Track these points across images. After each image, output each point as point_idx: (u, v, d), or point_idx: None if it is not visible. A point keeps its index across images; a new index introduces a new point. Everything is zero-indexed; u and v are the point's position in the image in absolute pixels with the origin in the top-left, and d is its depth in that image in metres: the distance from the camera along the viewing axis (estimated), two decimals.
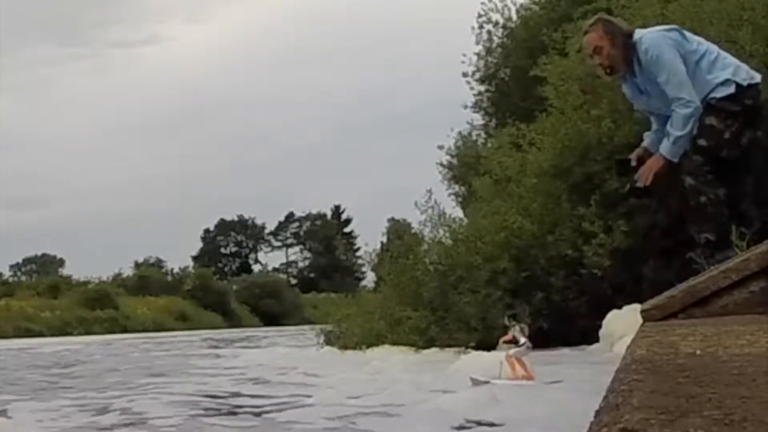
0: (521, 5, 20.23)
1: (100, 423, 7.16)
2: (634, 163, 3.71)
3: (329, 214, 72.59)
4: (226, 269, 67.83)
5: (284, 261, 71.56)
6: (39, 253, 63.48)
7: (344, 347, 16.35)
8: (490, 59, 20.63)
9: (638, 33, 3.65)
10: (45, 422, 7.29)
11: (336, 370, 11.96)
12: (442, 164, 21.59)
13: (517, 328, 8.93)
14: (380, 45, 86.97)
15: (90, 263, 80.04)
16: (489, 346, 11.39)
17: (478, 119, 22.07)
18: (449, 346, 13.77)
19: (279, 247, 71.73)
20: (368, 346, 15.43)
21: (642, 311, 2.59)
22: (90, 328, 41.96)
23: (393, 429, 6.25)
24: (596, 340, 12.44)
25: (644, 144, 3.74)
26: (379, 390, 8.69)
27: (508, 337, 8.94)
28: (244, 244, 71.40)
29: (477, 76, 20.87)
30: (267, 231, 71.66)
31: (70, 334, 39.79)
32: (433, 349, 14.09)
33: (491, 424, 6.15)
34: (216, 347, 24.58)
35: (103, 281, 50.65)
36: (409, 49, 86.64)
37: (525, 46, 18.67)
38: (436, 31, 79.82)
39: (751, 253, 2.64)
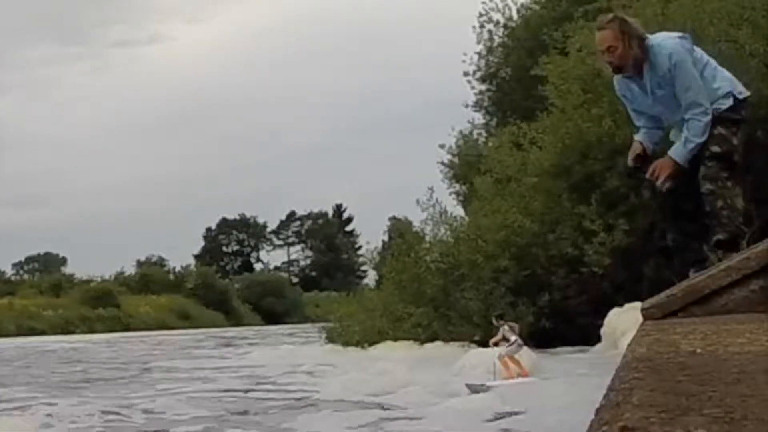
0: (522, 5, 20.32)
1: (127, 423, 7.26)
2: (630, 163, 3.78)
3: (331, 212, 72.73)
4: (228, 268, 67.91)
5: (286, 259, 71.76)
6: (42, 252, 63.74)
7: (346, 344, 16.43)
8: (491, 58, 20.68)
9: (654, 38, 3.69)
10: (76, 422, 7.34)
11: (342, 367, 12.00)
12: (443, 163, 21.67)
13: (506, 327, 8.90)
14: (381, 45, 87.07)
15: (92, 262, 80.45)
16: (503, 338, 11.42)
17: (479, 118, 22.15)
18: (453, 340, 13.81)
19: (281, 246, 71.90)
20: (370, 344, 15.50)
21: (642, 310, 2.60)
22: (92, 327, 42.08)
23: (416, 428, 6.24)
24: (597, 338, 12.48)
25: (638, 138, 3.80)
26: (389, 388, 8.74)
27: (499, 337, 8.88)
28: (246, 243, 71.49)
29: (478, 75, 20.94)
30: (269, 230, 71.81)
31: (73, 332, 39.92)
32: (437, 343, 14.14)
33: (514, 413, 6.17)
34: (223, 346, 24.62)
35: (106, 280, 50.81)
36: (411, 49, 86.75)
37: (526, 46, 18.73)
38: (437, 30, 79.96)
39: (751, 252, 2.64)
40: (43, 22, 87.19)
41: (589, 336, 12.82)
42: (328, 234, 70.20)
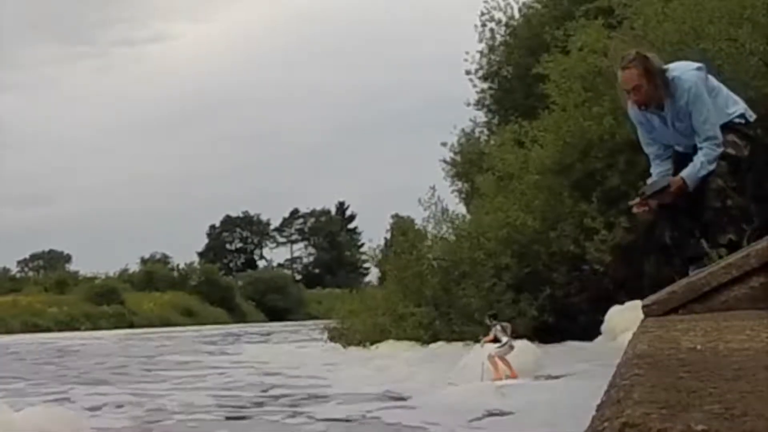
0: (524, 3, 20.33)
1: (163, 413, 7.45)
2: (634, 207, 3.88)
3: (333, 210, 72.81)
4: (231, 265, 68.09)
5: (289, 257, 71.90)
6: (46, 249, 63.99)
7: (348, 344, 16.51)
8: (492, 57, 20.71)
9: (673, 69, 3.75)
10: (114, 413, 7.49)
11: (347, 367, 12.14)
12: (445, 161, 21.72)
13: (499, 327, 8.85)
14: (383, 44, 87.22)
15: (96, 259, 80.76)
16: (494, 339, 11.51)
17: (480, 116, 22.18)
18: (455, 339, 13.89)
19: (284, 243, 72.04)
20: (372, 343, 15.57)
21: (643, 306, 2.64)
22: (97, 324, 42.24)
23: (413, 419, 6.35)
24: (597, 334, 12.57)
25: (669, 180, 3.79)
26: (392, 383, 8.85)
27: (490, 337, 8.84)
28: (249, 240, 71.65)
29: (480, 73, 20.97)
30: (272, 227, 71.95)
31: (77, 329, 40.10)
32: (440, 343, 14.23)
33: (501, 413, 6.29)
34: (230, 343, 24.78)
35: (110, 277, 50.97)
36: (413, 48, 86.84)
37: (527, 44, 18.76)
38: (439, 30, 79.96)
39: (751, 250, 2.67)
40: (46, 22, 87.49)
41: (590, 332, 12.91)
42: (331, 231, 70.33)
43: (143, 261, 56.03)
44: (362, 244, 63.34)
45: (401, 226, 19.49)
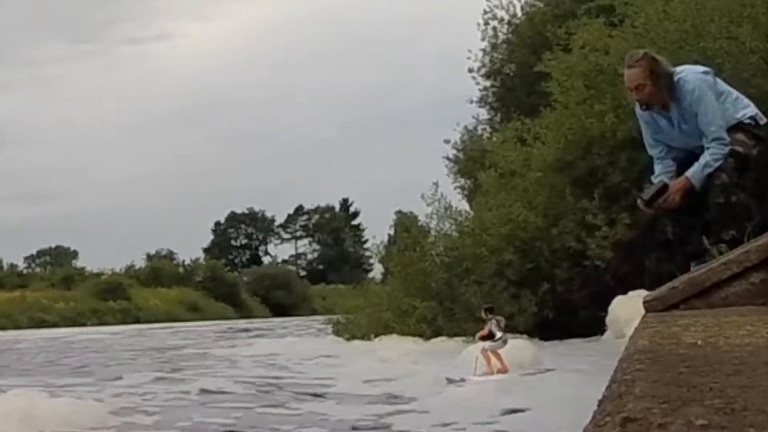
0: (526, 2, 20.42)
1: (188, 401, 7.69)
2: (642, 205, 3.87)
3: (337, 207, 72.94)
4: (236, 261, 68.35)
5: (293, 253, 72.12)
6: (53, 246, 64.36)
7: (352, 337, 16.68)
8: (495, 55, 20.82)
9: (679, 72, 3.79)
10: (139, 405, 7.68)
11: (349, 358, 12.34)
12: (448, 158, 21.84)
13: (494, 321, 8.87)
14: (386, 43, 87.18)
15: (103, 255, 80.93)
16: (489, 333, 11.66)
17: (483, 114, 22.30)
18: (456, 335, 14.05)
19: (288, 240, 72.26)
20: (376, 335, 15.75)
21: (644, 302, 2.66)
22: (103, 319, 42.53)
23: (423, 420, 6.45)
24: (599, 330, 12.68)
25: (661, 178, 3.85)
26: (397, 377, 9.01)
27: (485, 331, 8.89)
28: (254, 237, 71.89)
29: (482, 71, 21.08)
30: (276, 224, 72.17)
31: (84, 324, 40.38)
32: (441, 338, 14.39)
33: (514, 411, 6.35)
34: (242, 338, 25.04)
35: (116, 273, 51.23)
36: (416, 47, 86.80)
37: (529, 43, 18.86)
38: (442, 28, 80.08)
39: (752, 246, 2.68)
40: (52, 21, 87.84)
41: (590, 328, 13.05)
42: (335, 228, 70.51)
43: (149, 257, 56.32)
44: (366, 241, 63.76)
45: (405, 223, 19.65)
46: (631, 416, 0.96)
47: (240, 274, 60.41)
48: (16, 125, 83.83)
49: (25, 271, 55.68)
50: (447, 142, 21.70)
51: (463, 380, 8.23)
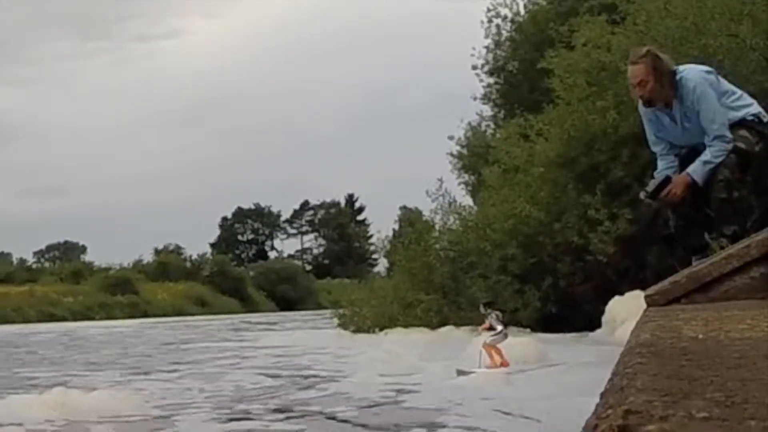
0: (529, 0, 20.59)
1: (220, 395, 7.82)
2: (645, 197, 4.00)
3: (343, 202, 73.16)
4: (243, 256, 68.70)
5: (299, 248, 72.39)
6: (62, 240, 64.85)
7: (358, 330, 16.91)
8: (498, 52, 20.97)
9: (681, 71, 3.86)
10: (167, 398, 7.71)
11: (362, 352, 12.53)
12: (452, 154, 22.02)
13: (493, 315, 8.94)
14: (392, 39, 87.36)
15: (111, 250, 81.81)
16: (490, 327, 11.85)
17: (487, 110, 22.43)
18: (463, 324, 14.23)
19: (294, 235, 72.55)
20: (381, 328, 15.97)
21: (646, 296, 2.69)
22: (111, 313, 42.90)
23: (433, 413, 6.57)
24: (600, 324, 12.87)
25: (664, 173, 3.92)
26: (406, 370, 9.22)
27: (486, 325, 8.98)
28: (261, 232, 72.20)
29: (486, 68, 21.22)
30: (283, 219, 72.43)
31: (93, 318, 40.78)
32: (449, 327, 14.58)
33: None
34: (253, 331, 25.22)
35: (124, 267, 51.63)
36: (421, 45, 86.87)
37: (532, 40, 19.01)
38: (446, 25, 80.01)
39: (752, 240, 2.72)
40: (63, 18, 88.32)
41: (593, 321, 13.22)
42: (341, 223, 70.75)
43: (157, 252, 56.65)
44: (371, 236, 63.84)
45: (409, 218, 19.86)
46: (632, 409, 0.96)
47: (246, 268, 60.72)
48: (25, 121, 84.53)
49: (34, 266, 56.08)
50: (451, 138, 21.91)
51: (473, 372, 8.40)
